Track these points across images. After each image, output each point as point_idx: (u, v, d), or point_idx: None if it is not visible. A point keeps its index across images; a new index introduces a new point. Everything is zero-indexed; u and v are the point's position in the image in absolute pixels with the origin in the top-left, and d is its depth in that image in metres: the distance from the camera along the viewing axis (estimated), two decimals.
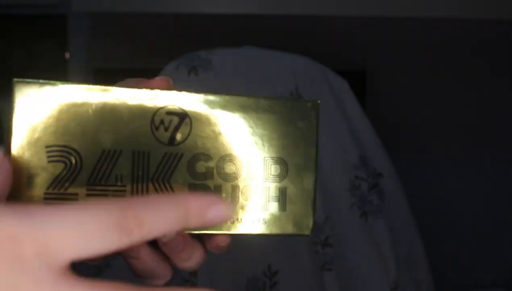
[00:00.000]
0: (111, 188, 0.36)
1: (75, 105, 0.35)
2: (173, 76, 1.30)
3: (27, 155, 0.34)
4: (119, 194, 0.36)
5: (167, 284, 0.40)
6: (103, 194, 0.36)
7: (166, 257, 0.38)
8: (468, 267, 1.82)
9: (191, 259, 0.38)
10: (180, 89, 0.37)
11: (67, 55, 1.71)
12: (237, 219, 0.38)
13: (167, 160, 0.37)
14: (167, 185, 0.37)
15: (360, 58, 1.76)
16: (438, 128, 1.81)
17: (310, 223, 0.40)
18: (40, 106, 0.35)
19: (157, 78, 0.38)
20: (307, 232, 0.40)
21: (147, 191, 0.36)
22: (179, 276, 1.07)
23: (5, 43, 1.70)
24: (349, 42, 1.75)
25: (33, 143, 0.35)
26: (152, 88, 0.37)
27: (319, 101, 0.40)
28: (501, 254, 1.83)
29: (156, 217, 0.26)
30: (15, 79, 0.35)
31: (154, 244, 0.38)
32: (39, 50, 1.72)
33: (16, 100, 0.34)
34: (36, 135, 0.35)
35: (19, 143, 0.34)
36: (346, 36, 1.75)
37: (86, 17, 1.70)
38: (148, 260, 0.37)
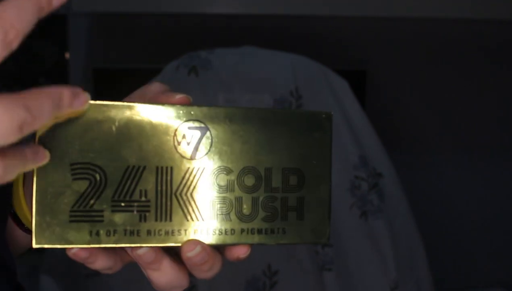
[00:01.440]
0: (135, 204, 0.36)
1: (98, 122, 0.36)
2: (173, 76, 1.30)
3: (51, 174, 0.35)
4: (143, 209, 0.36)
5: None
6: (128, 210, 0.36)
7: (184, 266, 0.39)
8: (468, 267, 1.82)
9: (212, 270, 0.40)
10: (200, 105, 0.38)
11: (67, 55, 1.71)
12: (258, 230, 0.39)
13: (190, 174, 0.38)
14: (190, 198, 0.38)
15: (360, 58, 1.76)
16: (438, 128, 1.81)
17: (327, 230, 0.41)
18: (63, 126, 0.35)
19: (178, 95, 0.39)
20: (324, 239, 0.41)
21: (171, 205, 0.37)
22: None
23: None
24: (349, 42, 1.75)
25: (58, 162, 0.35)
26: (173, 104, 0.37)
27: (332, 113, 0.41)
28: (501, 254, 1.83)
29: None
30: None
31: (172, 254, 0.39)
32: (39, 50, 1.72)
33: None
34: (61, 154, 0.35)
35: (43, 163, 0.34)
36: (346, 36, 1.75)
37: (86, 17, 1.70)
38: (169, 272, 0.39)
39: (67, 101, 0.32)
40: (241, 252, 0.39)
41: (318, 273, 1.16)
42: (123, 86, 1.57)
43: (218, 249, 0.40)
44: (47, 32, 1.71)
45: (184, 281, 0.40)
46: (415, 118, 1.80)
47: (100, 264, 0.38)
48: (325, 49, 1.70)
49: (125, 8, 1.66)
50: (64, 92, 0.32)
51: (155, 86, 0.41)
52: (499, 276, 1.84)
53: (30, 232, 0.40)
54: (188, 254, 0.37)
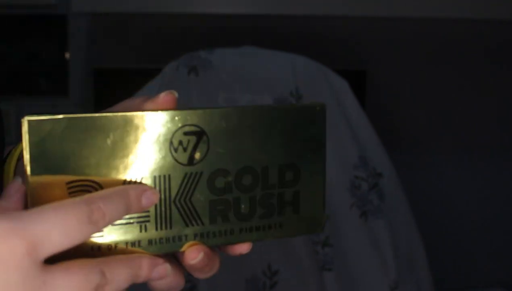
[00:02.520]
0: (135, 215, 0.36)
1: (91, 137, 0.34)
2: (173, 76, 1.30)
3: (48, 194, 0.33)
4: (143, 220, 0.36)
5: None
6: (128, 222, 0.36)
7: (181, 268, 0.39)
8: (468, 267, 1.82)
9: (212, 270, 0.40)
10: (195, 108, 0.37)
11: (67, 55, 1.71)
12: (257, 227, 0.39)
13: (188, 180, 0.37)
14: (189, 204, 0.37)
15: (360, 58, 1.76)
16: (438, 128, 1.81)
17: (322, 219, 0.41)
18: (55, 143, 0.34)
19: (161, 95, 0.38)
20: (319, 229, 0.42)
21: (171, 213, 0.37)
22: None
23: (5, 43, 1.70)
24: (349, 42, 1.75)
25: (53, 182, 0.34)
26: (159, 105, 0.37)
27: (325, 104, 0.41)
28: (501, 254, 1.83)
29: (111, 208, 0.32)
30: (26, 117, 0.33)
31: (169, 256, 0.39)
32: (39, 51, 1.72)
33: (29, 140, 0.33)
34: (55, 173, 0.34)
35: (39, 183, 0.33)
36: (346, 36, 1.75)
37: (86, 17, 1.70)
38: (168, 279, 0.38)
39: (145, 272, 0.34)
40: (243, 248, 0.40)
41: (318, 273, 1.16)
42: (123, 86, 1.57)
43: (217, 247, 0.40)
44: (47, 32, 1.71)
45: (181, 282, 0.40)
46: (415, 118, 1.80)
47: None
48: (325, 49, 1.70)
49: (125, 8, 1.66)
50: (143, 262, 0.34)
51: (138, 99, 0.40)
52: (499, 276, 1.84)
53: None
54: (192, 261, 0.38)
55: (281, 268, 1.15)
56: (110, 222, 0.32)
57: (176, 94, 0.38)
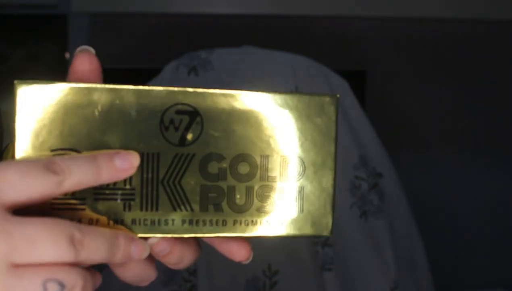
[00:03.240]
0: (119, 192, 0.34)
1: (80, 107, 0.34)
2: (173, 76, 1.30)
3: (32, 157, 0.33)
4: (128, 197, 0.34)
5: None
6: (112, 198, 0.34)
7: (151, 259, 0.37)
8: (468, 267, 1.82)
9: (183, 262, 0.37)
10: (191, 86, 0.35)
11: (67, 55, 1.71)
12: (252, 221, 0.37)
13: (178, 161, 0.35)
14: (178, 187, 0.35)
15: (360, 58, 1.76)
16: (438, 128, 1.81)
17: (330, 223, 0.38)
18: (43, 109, 0.33)
19: (77, 52, 0.36)
20: (326, 232, 0.38)
21: (158, 194, 0.35)
22: (179, 276, 1.07)
23: (5, 43, 1.70)
24: (349, 42, 1.75)
25: (38, 147, 0.33)
26: (161, 86, 0.35)
27: (338, 96, 0.38)
28: (501, 254, 1.83)
29: (74, 163, 0.31)
30: (16, 81, 0.33)
31: None
32: (39, 50, 1.72)
33: (18, 103, 0.33)
34: (41, 139, 0.33)
35: (23, 148, 0.33)
36: (346, 36, 1.75)
37: (86, 17, 1.70)
38: (134, 267, 0.37)
39: (122, 245, 0.33)
40: (242, 255, 0.38)
41: (318, 273, 1.16)
42: None
43: (196, 239, 0.38)
44: (47, 32, 1.71)
45: (151, 274, 0.37)
46: (415, 118, 1.80)
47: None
48: (325, 49, 1.70)
49: (125, 8, 1.66)
50: (120, 235, 0.33)
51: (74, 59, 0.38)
52: (499, 276, 1.84)
53: None
54: (149, 242, 0.36)
55: (281, 268, 1.15)
56: (76, 180, 0.31)
57: (93, 51, 0.36)
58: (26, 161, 0.30)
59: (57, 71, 1.72)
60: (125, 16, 1.69)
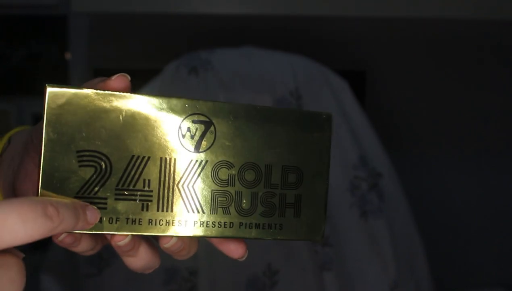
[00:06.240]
0: (138, 193, 0.37)
1: (106, 112, 0.36)
2: (173, 77, 1.30)
3: (58, 159, 0.35)
4: (146, 198, 0.37)
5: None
6: (131, 199, 0.37)
7: (156, 250, 0.42)
8: (468, 267, 1.82)
9: (189, 254, 0.42)
10: (205, 99, 0.39)
11: (67, 55, 1.71)
12: (255, 224, 0.40)
13: (193, 166, 0.39)
14: (192, 190, 0.39)
15: (360, 58, 1.76)
16: (438, 128, 1.81)
17: (322, 227, 0.42)
18: (71, 112, 0.36)
19: (114, 76, 0.38)
20: (319, 237, 0.42)
21: (173, 196, 0.38)
22: (179, 275, 1.08)
23: (6, 43, 1.70)
24: (349, 42, 1.75)
25: (65, 148, 0.35)
26: (179, 97, 0.38)
27: (332, 114, 0.42)
28: (501, 254, 1.83)
29: (64, 208, 0.32)
30: (47, 85, 0.35)
31: (146, 238, 0.41)
32: (39, 51, 1.72)
33: (48, 106, 0.35)
34: (68, 140, 0.36)
35: (50, 148, 0.35)
36: (346, 36, 1.75)
37: (86, 18, 1.70)
38: (144, 257, 0.41)
39: (80, 209, 0.34)
40: (239, 253, 0.42)
41: (318, 273, 1.16)
42: None
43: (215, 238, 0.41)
44: (47, 32, 1.71)
45: (156, 262, 0.42)
46: (415, 118, 1.80)
47: (82, 247, 0.40)
48: (325, 49, 1.70)
49: (125, 8, 1.67)
50: (76, 202, 0.34)
51: (97, 79, 0.40)
52: (499, 276, 1.84)
53: None
54: (165, 245, 0.39)
55: (281, 268, 1.15)
56: (66, 225, 0.32)
57: (129, 78, 0.39)
58: (27, 204, 0.31)
59: (57, 72, 1.72)
60: (125, 16, 1.69)
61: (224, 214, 0.39)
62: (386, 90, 1.78)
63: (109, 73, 0.39)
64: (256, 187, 0.40)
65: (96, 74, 1.68)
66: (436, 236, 1.66)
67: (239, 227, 0.40)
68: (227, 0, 1.70)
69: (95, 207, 0.36)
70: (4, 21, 1.69)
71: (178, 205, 0.38)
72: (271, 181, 0.40)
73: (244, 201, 0.40)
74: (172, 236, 0.39)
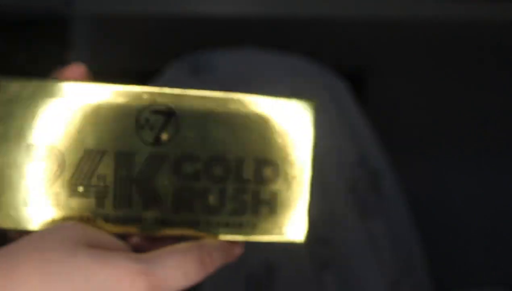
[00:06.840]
0: (93, 189, 0.35)
1: (58, 102, 0.34)
2: (173, 77, 1.30)
3: (8, 155, 0.34)
4: (101, 194, 0.35)
5: None
6: (86, 195, 0.35)
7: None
8: (468, 267, 1.82)
9: None
10: (167, 86, 0.36)
11: (68, 56, 1.71)
12: (225, 223, 0.37)
13: (151, 161, 0.36)
14: (151, 186, 0.36)
15: (360, 58, 1.76)
16: (438, 128, 1.81)
17: (304, 228, 0.38)
18: (22, 105, 0.34)
19: (70, 66, 0.38)
20: (299, 238, 0.38)
21: (131, 192, 0.35)
22: None
23: (6, 44, 1.70)
24: (349, 42, 1.75)
25: (15, 143, 0.34)
26: (136, 85, 0.36)
27: (315, 101, 0.38)
28: (501, 254, 1.83)
29: (217, 252, 0.36)
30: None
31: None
32: (40, 52, 1.72)
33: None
34: (18, 134, 0.34)
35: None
36: (346, 36, 1.75)
37: (87, 19, 1.71)
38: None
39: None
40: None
41: (318, 273, 1.17)
42: None
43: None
44: (48, 33, 1.71)
45: None
46: (415, 118, 1.80)
47: None
48: (325, 49, 1.70)
49: (126, 9, 1.67)
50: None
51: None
52: (499, 276, 1.85)
53: None
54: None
55: (281, 268, 1.15)
56: (216, 266, 0.35)
57: (85, 67, 0.38)
58: (183, 253, 0.34)
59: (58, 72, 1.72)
60: (126, 17, 1.70)
61: (188, 211, 0.36)
62: (386, 90, 1.78)
63: (110, 75, 0.39)
64: (225, 183, 0.37)
65: (98, 76, 1.68)
66: (436, 236, 1.66)
67: (206, 226, 0.37)
68: (228, 1, 1.71)
69: (240, 242, 0.37)
70: (5, 22, 1.70)
71: (137, 202, 0.36)
72: (242, 176, 0.37)
73: (211, 198, 0.36)
74: (131, 235, 0.36)
